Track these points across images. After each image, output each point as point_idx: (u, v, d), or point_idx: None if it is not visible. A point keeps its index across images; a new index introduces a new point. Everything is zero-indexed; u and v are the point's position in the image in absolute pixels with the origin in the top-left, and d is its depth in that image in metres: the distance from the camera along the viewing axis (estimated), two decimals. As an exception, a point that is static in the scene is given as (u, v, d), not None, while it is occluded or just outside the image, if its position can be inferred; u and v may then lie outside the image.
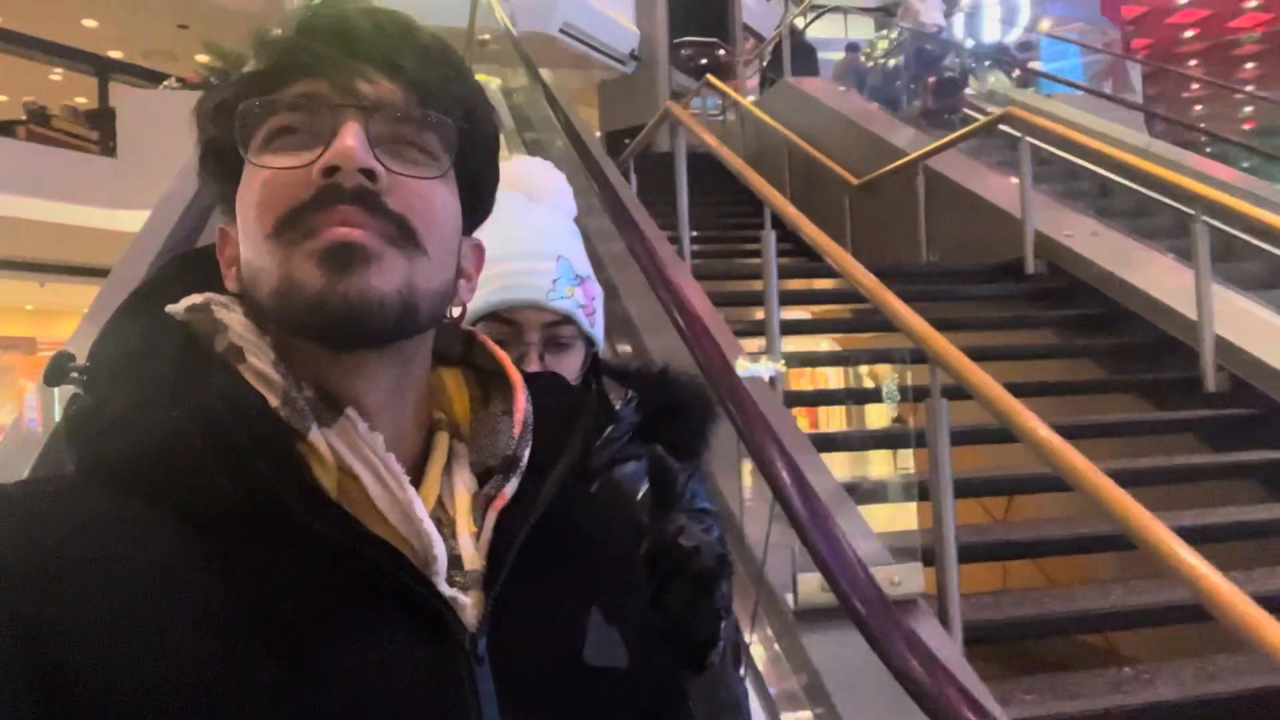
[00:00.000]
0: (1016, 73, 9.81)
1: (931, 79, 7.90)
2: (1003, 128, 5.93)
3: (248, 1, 9.12)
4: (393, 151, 0.57)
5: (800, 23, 11.43)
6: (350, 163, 0.55)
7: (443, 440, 0.63)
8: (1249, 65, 17.78)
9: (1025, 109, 6.31)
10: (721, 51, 13.16)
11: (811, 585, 2.08)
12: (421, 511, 0.57)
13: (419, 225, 0.57)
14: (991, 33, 10.85)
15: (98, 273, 8.60)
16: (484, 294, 1.06)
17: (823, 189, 6.85)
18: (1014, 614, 2.84)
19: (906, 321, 2.88)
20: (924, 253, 5.89)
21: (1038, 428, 2.33)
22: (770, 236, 3.86)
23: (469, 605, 0.56)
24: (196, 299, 0.60)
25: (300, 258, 0.55)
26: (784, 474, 1.76)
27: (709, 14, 13.45)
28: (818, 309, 5.35)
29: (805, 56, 10.24)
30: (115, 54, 12.35)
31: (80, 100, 12.01)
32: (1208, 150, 8.19)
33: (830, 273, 3.57)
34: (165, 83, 11.07)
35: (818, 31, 12.43)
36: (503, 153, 0.70)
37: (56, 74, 12.45)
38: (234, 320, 0.59)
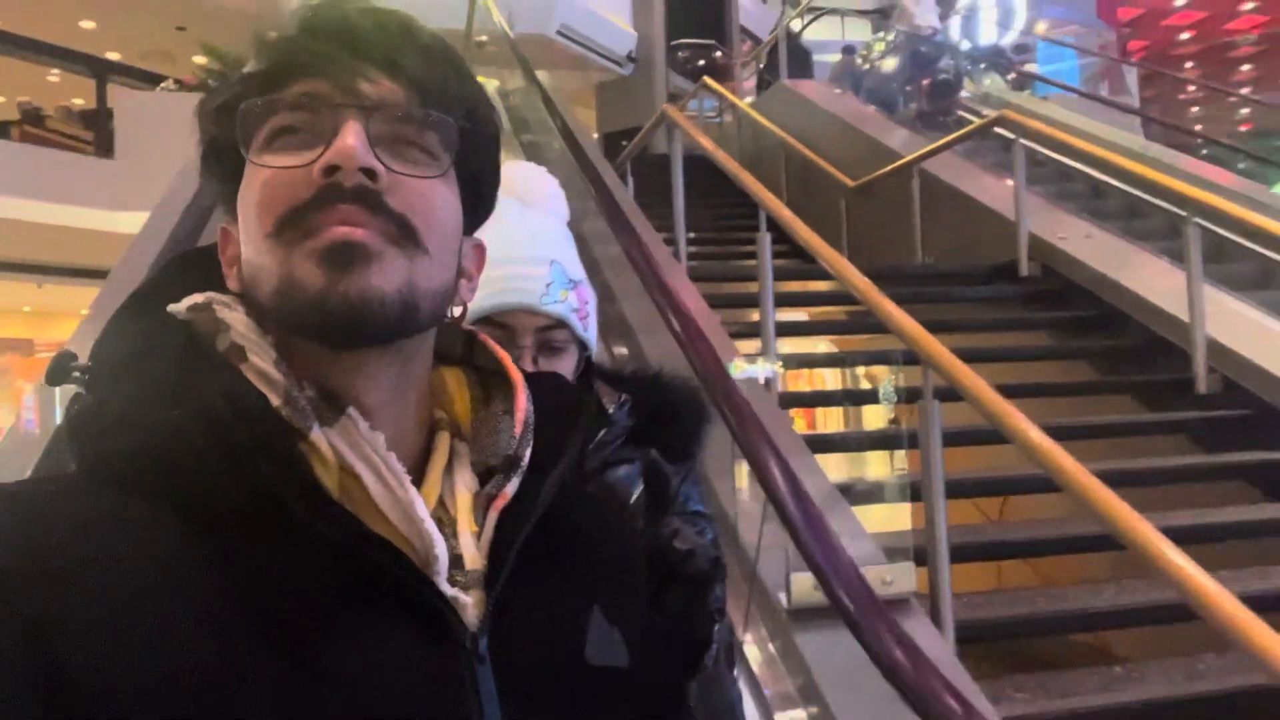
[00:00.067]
0: (1012, 75, 9.80)
1: (926, 81, 7.89)
2: (998, 130, 5.93)
3: (246, 3, 9.10)
4: (393, 151, 0.57)
5: (797, 25, 11.44)
6: (351, 162, 0.55)
7: (444, 440, 0.63)
8: (1245, 67, 17.83)
9: (1020, 112, 6.32)
10: (719, 54, 13.14)
11: (805, 585, 2.07)
12: (423, 511, 0.57)
13: (419, 224, 0.57)
14: (988, 35, 10.84)
15: (95, 274, 8.59)
16: (478, 298, 1.06)
17: (819, 191, 6.85)
18: (1006, 613, 2.86)
19: (898, 323, 2.89)
20: (919, 255, 5.89)
21: (1027, 429, 2.34)
22: (766, 239, 3.86)
23: (470, 605, 0.56)
24: (198, 298, 0.60)
25: (301, 257, 0.55)
26: (777, 475, 1.77)
27: (706, 16, 13.45)
28: (814, 311, 5.34)
29: (801, 59, 10.24)
30: (113, 55, 12.32)
31: (77, 101, 12.00)
32: (1203, 153, 8.21)
33: (826, 275, 3.57)
34: (163, 84, 11.07)
35: (814, 34, 12.47)
36: (499, 155, 0.71)
37: (54, 75, 12.42)
38: (235, 320, 0.59)
